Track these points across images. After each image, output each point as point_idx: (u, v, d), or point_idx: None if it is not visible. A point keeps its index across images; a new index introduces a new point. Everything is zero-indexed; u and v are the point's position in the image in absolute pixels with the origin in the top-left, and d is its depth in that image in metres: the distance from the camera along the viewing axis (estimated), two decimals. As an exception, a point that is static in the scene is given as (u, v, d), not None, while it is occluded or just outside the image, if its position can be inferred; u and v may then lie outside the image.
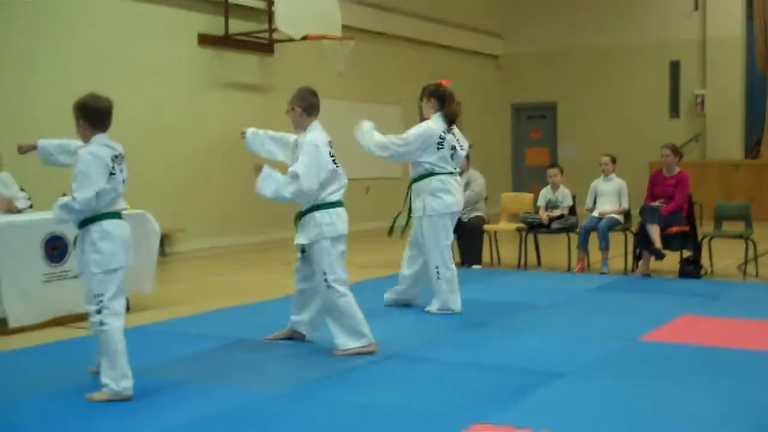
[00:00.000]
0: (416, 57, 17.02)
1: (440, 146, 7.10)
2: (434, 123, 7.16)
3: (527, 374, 5.16)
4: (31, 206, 7.66)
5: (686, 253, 9.19)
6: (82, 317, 6.96)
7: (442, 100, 7.21)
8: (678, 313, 6.94)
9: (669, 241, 9.05)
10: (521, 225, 10.12)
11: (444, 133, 7.14)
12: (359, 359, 5.59)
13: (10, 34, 10.16)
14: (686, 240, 9.16)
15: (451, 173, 7.17)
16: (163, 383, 5.16)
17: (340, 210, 5.79)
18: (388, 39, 16.21)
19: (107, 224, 4.89)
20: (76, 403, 4.79)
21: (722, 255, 9.74)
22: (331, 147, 5.86)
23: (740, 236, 9.22)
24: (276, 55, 13.55)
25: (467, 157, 10.34)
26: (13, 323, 6.63)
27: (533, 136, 19.96)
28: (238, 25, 12.86)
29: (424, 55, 17.25)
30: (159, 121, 11.57)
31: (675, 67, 17.97)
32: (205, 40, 12.54)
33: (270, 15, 12.70)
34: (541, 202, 10.12)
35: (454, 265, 7.18)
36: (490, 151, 19.15)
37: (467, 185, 10.19)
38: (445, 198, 7.08)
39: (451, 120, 7.21)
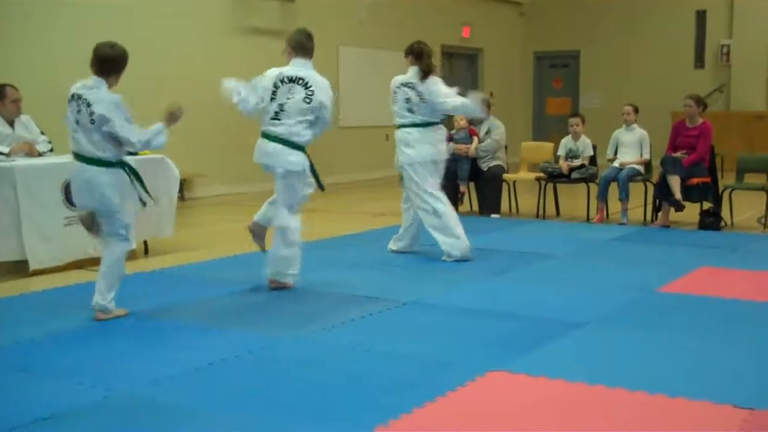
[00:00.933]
0: (439, 4, 16.85)
1: (394, 99, 7.38)
2: (399, 76, 7.40)
3: (545, 323, 5.17)
4: (51, 150, 7.68)
5: (706, 205, 9.14)
6: (100, 260, 7.03)
7: (417, 55, 7.38)
8: (697, 265, 6.92)
9: (689, 193, 8.99)
10: (541, 174, 10.07)
11: (398, 86, 7.35)
12: (377, 305, 5.61)
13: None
14: (707, 192, 9.09)
15: (413, 124, 7.32)
16: (178, 325, 5.21)
17: (259, 141, 6.09)
18: (409, -15, 16.04)
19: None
20: (90, 343, 4.85)
21: (743, 207, 9.68)
22: (282, 84, 6.05)
23: (762, 188, 9.14)
24: (298, 1, 13.44)
25: (488, 105, 10.31)
26: (33, 265, 6.68)
27: (555, 85, 19.78)
28: (259, -29, 12.75)
29: (446, 2, 17.07)
30: (180, 67, 11.53)
31: (701, 16, 17.69)
32: (225, -15, 12.45)
33: (291, -40, 12.58)
34: (561, 152, 10.05)
35: (442, 208, 7.24)
36: (511, 99, 19.02)
37: (487, 133, 10.14)
38: (407, 150, 7.30)
39: (426, 73, 7.33)
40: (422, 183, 7.27)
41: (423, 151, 7.28)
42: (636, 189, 9.51)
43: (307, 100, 6.02)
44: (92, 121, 5.19)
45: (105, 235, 5.38)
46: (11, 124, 7.44)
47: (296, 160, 6.01)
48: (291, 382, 4.15)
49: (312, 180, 6.19)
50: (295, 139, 6.00)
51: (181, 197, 6.97)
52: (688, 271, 6.69)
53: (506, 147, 10.45)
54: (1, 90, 7.47)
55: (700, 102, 9.28)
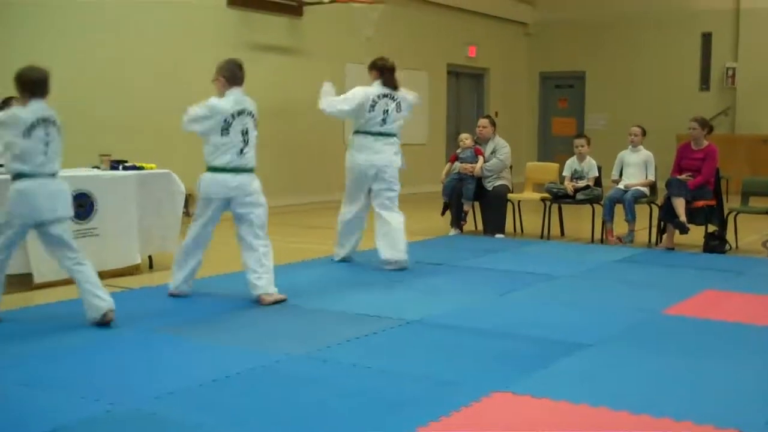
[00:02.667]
0: (444, 23, 16.91)
1: (372, 109, 7.65)
2: (371, 88, 7.76)
3: (549, 344, 5.15)
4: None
5: (711, 228, 9.13)
6: (104, 274, 7.02)
7: (380, 71, 7.79)
8: (702, 288, 6.90)
9: (694, 215, 8.99)
10: (546, 195, 10.06)
11: (377, 98, 7.68)
12: (380, 323, 5.60)
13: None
14: (712, 214, 9.09)
15: (381, 134, 7.71)
16: (182, 340, 5.20)
17: (217, 175, 6.22)
18: (417, 4, 16.10)
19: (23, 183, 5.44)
20: (94, 357, 4.85)
21: (748, 231, 9.67)
22: (236, 117, 6.23)
23: (766, 212, 9.12)
24: (305, 17, 13.49)
25: (493, 124, 10.34)
26: (37, 278, 6.69)
27: (560, 106, 19.81)
28: (267, -14, 12.79)
29: (452, 20, 17.13)
30: (186, 82, 11.56)
31: (707, 39, 17.72)
32: (234, 0, 12.49)
33: (299, -24, 12.64)
34: (566, 173, 10.04)
35: (345, 214, 7.95)
36: (516, 119, 19.06)
37: (493, 153, 10.15)
38: (357, 155, 7.73)
39: (391, 87, 7.78)
40: (397, 187, 7.77)
41: (397, 158, 7.78)
42: (641, 211, 9.50)
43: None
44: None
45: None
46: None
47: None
48: (294, 399, 4.14)
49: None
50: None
51: (186, 212, 6.98)
52: (693, 294, 6.67)
53: (511, 167, 10.45)
54: (8, 101, 7.49)
55: (706, 124, 9.29)
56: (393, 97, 7.74)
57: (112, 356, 4.91)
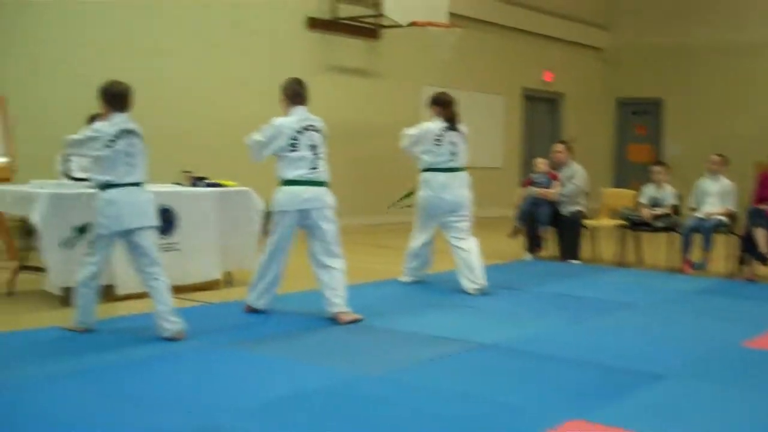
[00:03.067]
0: (521, 47, 16.90)
1: (438, 145, 7.71)
2: (433, 123, 7.79)
3: (624, 373, 5.10)
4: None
5: (794, 260, 8.94)
6: (184, 288, 7.18)
7: (441, 105, 7.82)
8: (782, 321, 6.77)
9: (776, 247, 8.82)
10: (622, 221, 9.97)
11: (442, 132, 7.74)
12: (455, 346, 5.61)
13: (122, 15, 10.47)
14: (794, 246, 8.90)
15: (450, 170, 7.75)
16: (260, 358, 5.27)
17: (290, 188, 6.32)
18: (493, 28, 16.12)
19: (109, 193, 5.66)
20: (172, 370, 4.94)
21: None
22: (303, 132, 6.34)
23: None
24: (383, 40, 13.62)
25: (569, 149, 10.30)
26: (121, 290, 6.84)
27: (637, 132, 19.59)
28: (346, 10, 12.95)
29: (528, 45, 17.11)
30: (267, 103, 11.72)
31: (789, 66, 17.41)
32: (313, 24, 12.68)
33: (378, 0, 12.77)
34: (643, 200, 9.94)
35: (415, 241, 8.05)
36: (592, 145, 18.89)
37: (569, 178, 10.10)
38: (428, 193, 7.77)
39: (449, 120, 7.79)
40: (468, 217, 7.81)
41: (467, 192, 7.83)
42: (720, 240, 9.35)
43: (324, 142, 6.49)
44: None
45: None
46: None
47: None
48: (368, 420, 4.16)
49: None
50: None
51: (264, 230, 7.09)
52: (773, 327, 6.55)
53: (587, 193, 10.39)
54: (95, 118, 7.70)
55: (788, 153, 9.12)
56: (457, 130, 7.78)
57: (190, 370, 5.01)
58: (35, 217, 6.50)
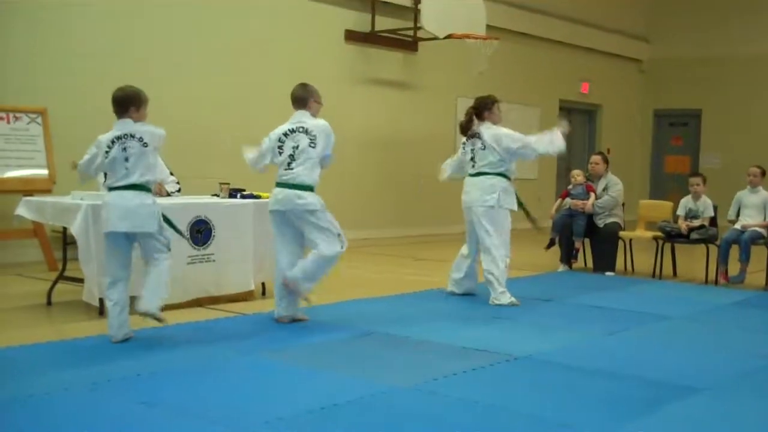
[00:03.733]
0: (558, 59, 16.87)
1: (462, 153, 7.97)
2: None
3: (660, 387, 5.06)
4: (179, 190, 7.98)
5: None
6: (219, 299, 7.25)
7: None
8: (821, 335, 6.69)
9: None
10: (658, 233, 9.91)
11: (463, 143, 7.95)
12: (488, 358, 5.60)
13: (155, 24, 10.60)
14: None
15: (470, 175, 7.84)
16: (293, 368, 5.30)
17: (274, 189, 6.56)
18: (530, 40, 16.11)
19: (107, 196, 5.87)
20: (206, 380, 4.99)
21: None
22: (289, 135, 6.51)
23: None
24: (420, 52, 13.66)
25: (606, 160, 10.26)
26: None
27: (674, 144, 19.46)
28: (384, 23, 13.02)
29: (565, 57, 17.08)
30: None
31: (830, 78, 17.20)
32: (351, 36, 12.76)
33: (416, 13, 12.82)
34: (680, 211, 9.87)
35: (462, 250, 8.05)
36: (629, 156, 18.81)
37: (605, 189, 10.06)
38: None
39: (463, 129, 7.97)
40: (490, 228, 7.72)
41: (488, 197, 7.75)
42: (758, 252, 9.26)
43: (312, 145, 6.45)
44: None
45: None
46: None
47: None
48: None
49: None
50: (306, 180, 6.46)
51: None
52: (812, 341, 6.47)
53: (623, 204, 10.33)
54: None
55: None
56: (478, 136, 7.78)
57: (224, 380, 5.04)
58: (75, 229, 6.60)
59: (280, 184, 6.50)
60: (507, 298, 7.57)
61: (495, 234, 7.61)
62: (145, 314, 5.83)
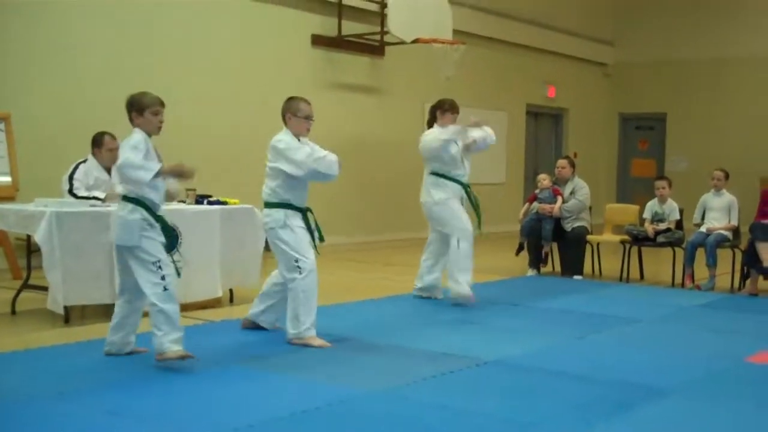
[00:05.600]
0: (524, 63, 16.94)
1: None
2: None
3: (628, 388, 5.09)
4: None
5: (797, 274, 8.92)
6: (187, 306, 7.17)
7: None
8: (787, 336, 6.75)
9: (779, 261, 8.80)
10: (625, 237, 9.97)
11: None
12: (458, 363, 5.60)
13: (129, 34, 10.52)
14: (798, 260, 8.89)
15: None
16: (261, 376, 5.26)
17: None
18: (497, 44, 16.16)
19: None
20: (175, 388, 4.94)
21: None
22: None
23: None
24: (386, 57, 13.65)
25: (572, 164, 10.31)
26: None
27: (641, 147, 19.62)
28: (351, 27, 13.00)
29: (531, 61, 17.15)
30: (270, 120, 11.77)
31: (793, 81, 17.42)
32: (318, 41, 12.72)
33: (383, 18, 12.81)
34: (647, 215, 9.93)
35: None
36: (595, 160, 18.93)
37: (572, 193, 10.10)
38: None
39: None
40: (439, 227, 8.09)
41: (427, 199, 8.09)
42: (724, 255, 9.34)
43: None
44: None
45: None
46: (108, 170, 7.70)
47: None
48: (372, 436, 4.17)
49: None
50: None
51: (267, 247, 7.09)
52: (778, 342, 6.53)
53: (590, 208, 10.39)
54: (99, 138, 7.78)
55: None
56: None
57: (193, 388, 4.99)
58: (39, 236, 6.52)
59: None
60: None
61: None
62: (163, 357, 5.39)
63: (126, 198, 5.41)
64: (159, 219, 5.45)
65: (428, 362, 5.66)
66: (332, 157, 6.18)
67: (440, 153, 7.84)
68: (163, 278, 5.32)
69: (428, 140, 7.94)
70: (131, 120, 5.48)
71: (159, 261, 5.34)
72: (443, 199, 7.88)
